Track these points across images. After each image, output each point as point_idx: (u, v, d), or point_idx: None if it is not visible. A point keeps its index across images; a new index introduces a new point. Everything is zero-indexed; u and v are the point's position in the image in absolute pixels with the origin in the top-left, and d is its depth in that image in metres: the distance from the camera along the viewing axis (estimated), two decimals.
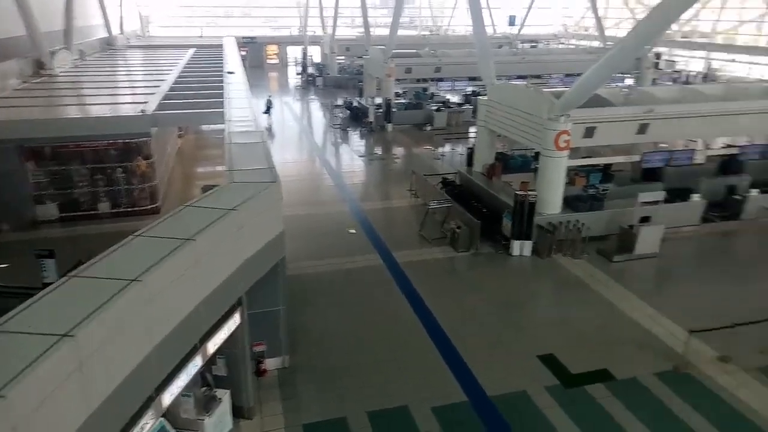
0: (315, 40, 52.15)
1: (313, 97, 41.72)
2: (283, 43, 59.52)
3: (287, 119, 33.51)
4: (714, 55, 45.88)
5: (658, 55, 47.71)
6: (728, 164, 18.92)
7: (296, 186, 20.66)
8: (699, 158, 18.75)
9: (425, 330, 11.45)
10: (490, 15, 48.92)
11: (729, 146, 20.33)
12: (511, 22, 52.08)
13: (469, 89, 35.11)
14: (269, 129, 29.39)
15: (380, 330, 11.48)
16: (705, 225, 16.54)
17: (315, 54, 53.58)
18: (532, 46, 50.36)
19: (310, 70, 49.67)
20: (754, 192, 16.80)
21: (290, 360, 10.19)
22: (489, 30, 50.20)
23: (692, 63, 48.51)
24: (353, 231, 16.31)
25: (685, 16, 48.54)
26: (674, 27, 49.20)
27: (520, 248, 14.72)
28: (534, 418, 8.99)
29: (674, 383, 9.85)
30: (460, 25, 60.69)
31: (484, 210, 15.98)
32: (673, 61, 47.97)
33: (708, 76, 42.89)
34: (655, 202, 14.78)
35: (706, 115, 16.13)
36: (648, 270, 14.27)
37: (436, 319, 11.80)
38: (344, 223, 16.96)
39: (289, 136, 29.45)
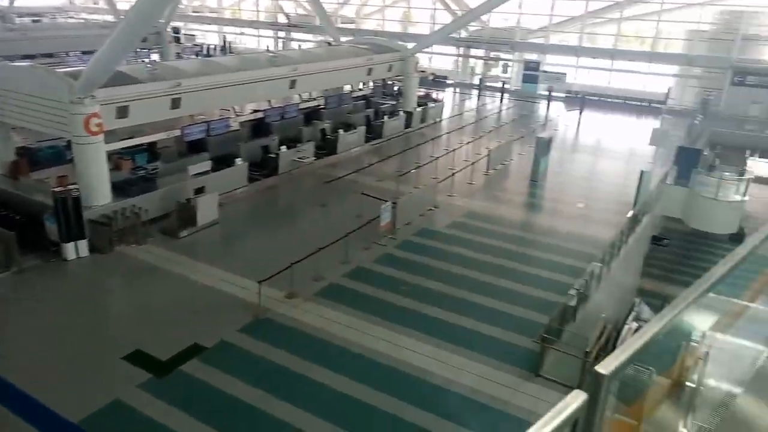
0: None
1: None
2: None
3: None
4: (226, 29, 50.15)
5: (176, 30, 48.94)
6: (258, 127, 21.29)
7: None
8: (234, 125, 20.43)
9: None
10: None
11: (256, 111, 22.86)
12: None
13: None
14: None
15: None
16: (252, 184, 18.25)
17: None
18: (35, 21, 43.98)
19: None
20: (284, 149, 19.42)
21: None
22: None
23: (210, 36, 51.87)
24: None
25: None
26: (185, 2, 51.19)
27: (76, 250, 13.06)
28: (134, 423, 8.33)
29: (257, 331, 10.74)
30: None
31: (17, 217, 13.38)
32: (193, 35, 50.19)
33: (226, 49, 46.65)
34: (205, 172, 15.38)
35: (228, 84, 17.48)
36: (213, 237, 14.91)
37: None
38: None
39: None
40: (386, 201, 15.16)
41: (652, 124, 30.20)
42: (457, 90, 39.04)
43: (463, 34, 39.46)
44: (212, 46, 47.38)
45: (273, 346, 10.31)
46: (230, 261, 13.49)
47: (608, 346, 10.59)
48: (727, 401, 2.49)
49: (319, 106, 24.62)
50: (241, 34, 48.91)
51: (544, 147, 19.79)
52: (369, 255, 14.11)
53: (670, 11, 32.70)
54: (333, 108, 23.80)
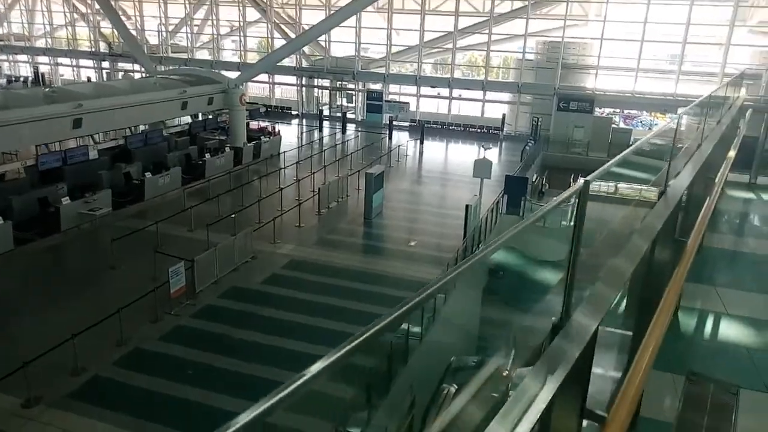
0: None
1: None
2: None
3: None
4: (40, 59, 44.30)
5: None
6: (44, 176, 17.72)
7: None
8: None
9: None
10: None
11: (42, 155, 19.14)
12: None
13: None
14: None
15: None
16: (22, 247, 14.77)
17: None
18: None
19: None
20: (66, 200, 16.11)
21: None
22: None
23: (23, 68, 45.71)
24: None
25: None
26: None
27: None
28: None
29: None
30: None
31: None
32: None
33: (39, 81, 40.91)
34: None
35: None
36: None
37: None
38: None
39: None
40: (181, 260, 12.70)
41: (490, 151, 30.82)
42: (304, 122, 37.42)
43: (306, 64, 38.23)
44: (21, 78, 41.54)
45: None
46: None
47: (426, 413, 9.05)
48: None
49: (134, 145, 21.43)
50: (56, 64, 43.39)
51: (375, 183, 18.53)
52: (155, 330, 11.53)
53: (497, 42, 33.96)
54: (139, 147, 20.64)
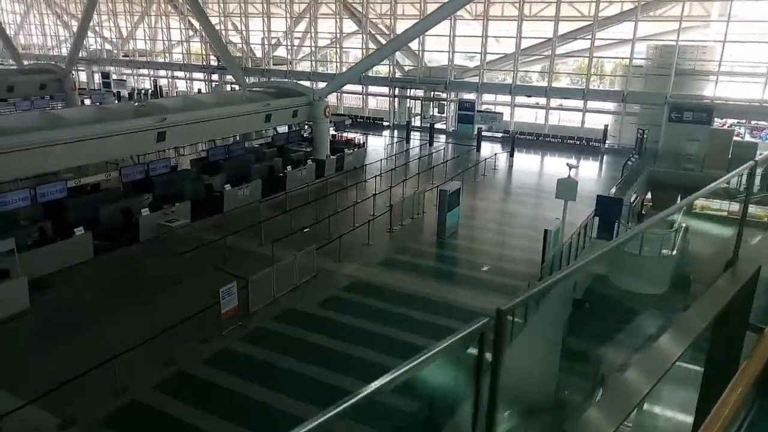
0: None
1: None
2: None
3: None
4: (160, 72, 47.88)
5: (106, 75, 46.67)
6: (135, 185, 18.71)
7: None
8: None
9: None
10: None
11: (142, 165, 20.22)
12: None
13: None
14: None
15: None
16: (100, 256, 15.48)
17: None
18: None
19: None
20: (146, 212, 16.74)
21: None
22: None
23: (145, 81, 49.61)
24: None
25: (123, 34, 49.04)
26: (118, 46, 49.06)
27: None
28: None
29: None
30: None
31: None
32: (123, 80, 47.84)
33: (157, 93, 44.05)
34: (10, 251, 12.54)
35: (68, 141, 14.96)
36: (12, 336, 12.00)
37: None
38: None
39: None
40: (237, 278, 12.55)
41: (590, 164, 28.46)
42: (395, 133, 37.03)
43: (399, 74, 37.89)
44: (143, 91, 45.10)
45: None
46: (18, 373, 10.59)
47: None
48: None
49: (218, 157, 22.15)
50: (173, 77, 46.70)
51: (450, 200, 17.50)
52: (203, 351, 11.39)
53: (602, 48, 31.38)
54: (221, 159, 21.12)
